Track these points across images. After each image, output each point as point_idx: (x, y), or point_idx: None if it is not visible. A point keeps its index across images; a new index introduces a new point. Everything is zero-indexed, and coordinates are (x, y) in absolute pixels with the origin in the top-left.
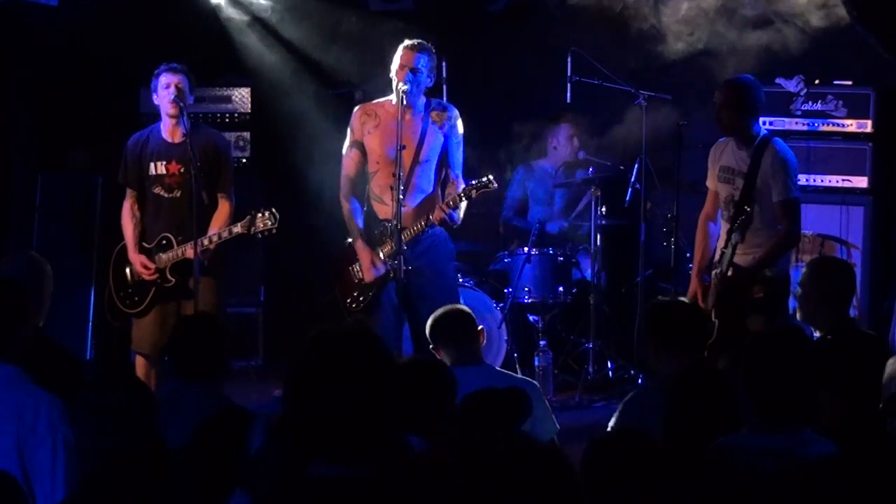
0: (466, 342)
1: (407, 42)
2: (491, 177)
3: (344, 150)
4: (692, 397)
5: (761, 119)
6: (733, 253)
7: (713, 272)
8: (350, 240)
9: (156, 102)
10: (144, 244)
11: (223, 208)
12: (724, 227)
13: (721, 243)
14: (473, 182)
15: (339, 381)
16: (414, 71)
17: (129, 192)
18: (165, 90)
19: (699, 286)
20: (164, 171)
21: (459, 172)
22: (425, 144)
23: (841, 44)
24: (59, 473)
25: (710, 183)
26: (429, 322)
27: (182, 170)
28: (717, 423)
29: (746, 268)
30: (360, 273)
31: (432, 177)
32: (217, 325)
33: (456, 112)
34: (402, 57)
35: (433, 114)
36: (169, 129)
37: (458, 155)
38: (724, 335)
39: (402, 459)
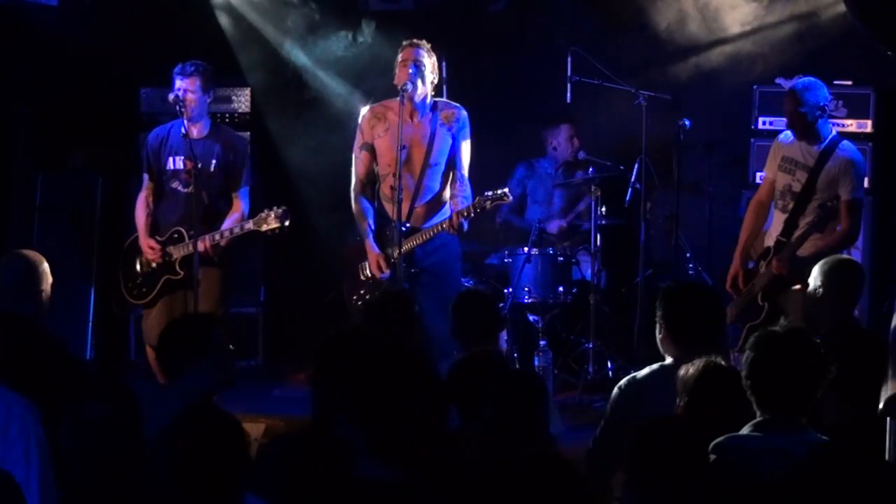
0: (476, 330)
1: (405, 41)
2: (507, 190)
3: (354, 151)
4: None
5: (762, 119)
6: (800, 244)
7: (761, 261)
8: (359, 238)
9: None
10: (157, 237)
11: (237, 207)
12: (777, 216)
13: (772, 231)
14: (489, 194)
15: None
16: (417, 63)
17: (146, 182)
18: (175, 92)
19: (741, 270)
20: (182, 167)
21: (465, 173)
22: (434, 147)
23: (841, 44)
24: (32, 476)
25: (769, 171)
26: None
27: (200, 165)
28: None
29: (802, 258)
30: (369, 271)
31: (440, 178)
32: (186, 323)
33: (465, 112)
34: (402, 53)
35: (442, 114)
36: (188, 126)
37: (465, 155)
38: (769, 320)
39: (448, 463)
